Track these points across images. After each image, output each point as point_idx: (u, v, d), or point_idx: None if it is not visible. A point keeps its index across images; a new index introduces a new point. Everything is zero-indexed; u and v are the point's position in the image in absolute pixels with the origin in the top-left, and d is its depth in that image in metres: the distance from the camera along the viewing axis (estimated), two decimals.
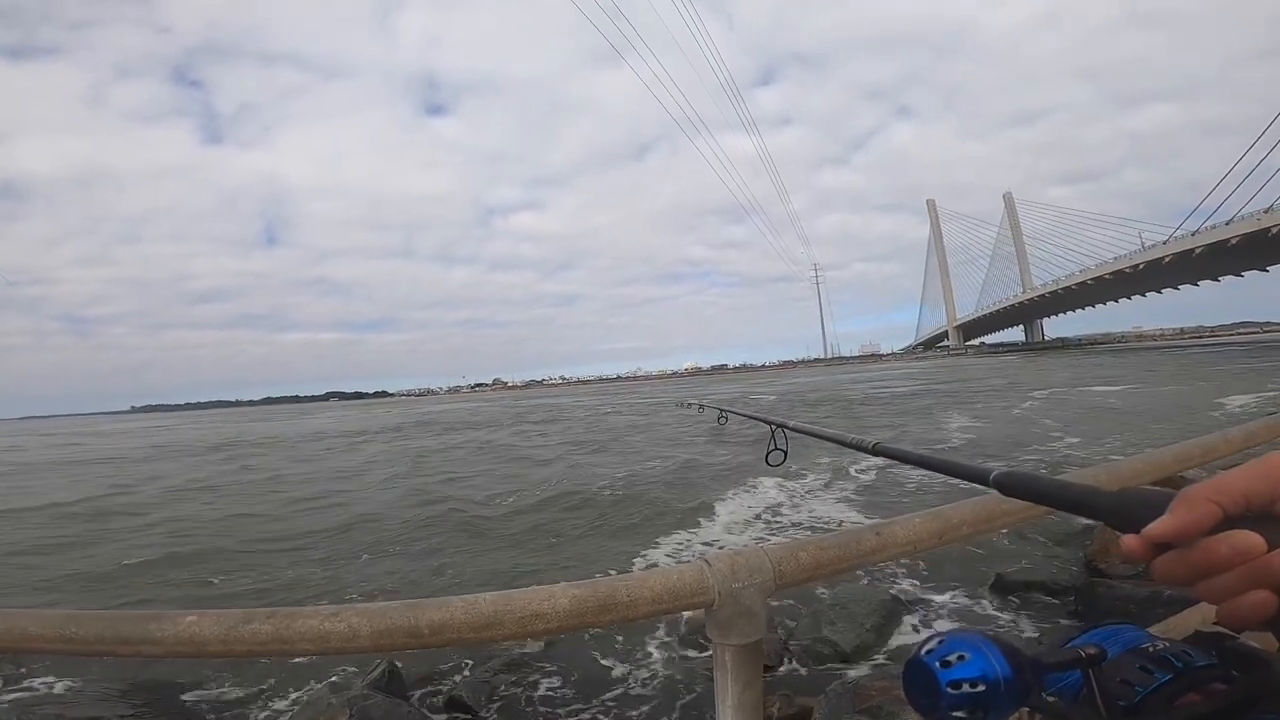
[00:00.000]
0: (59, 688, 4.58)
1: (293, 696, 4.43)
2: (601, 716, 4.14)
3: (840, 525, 8.25)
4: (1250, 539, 0.36)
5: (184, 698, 4.40)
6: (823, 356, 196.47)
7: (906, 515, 1.20)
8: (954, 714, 0.38)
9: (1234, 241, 55.17)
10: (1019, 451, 12.72)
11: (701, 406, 2.43)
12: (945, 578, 5.62)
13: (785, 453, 1.40)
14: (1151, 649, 0.44)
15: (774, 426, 1.41)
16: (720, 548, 7.47)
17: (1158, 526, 0.39)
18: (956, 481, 0.67)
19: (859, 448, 1.10)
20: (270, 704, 4.38)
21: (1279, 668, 0.40)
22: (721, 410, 2.10)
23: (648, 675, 4.68)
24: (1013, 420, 18.04)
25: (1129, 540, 0.41)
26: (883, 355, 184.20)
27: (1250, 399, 17.57)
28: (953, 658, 0.39)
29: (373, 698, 3.66)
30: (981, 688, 0.38)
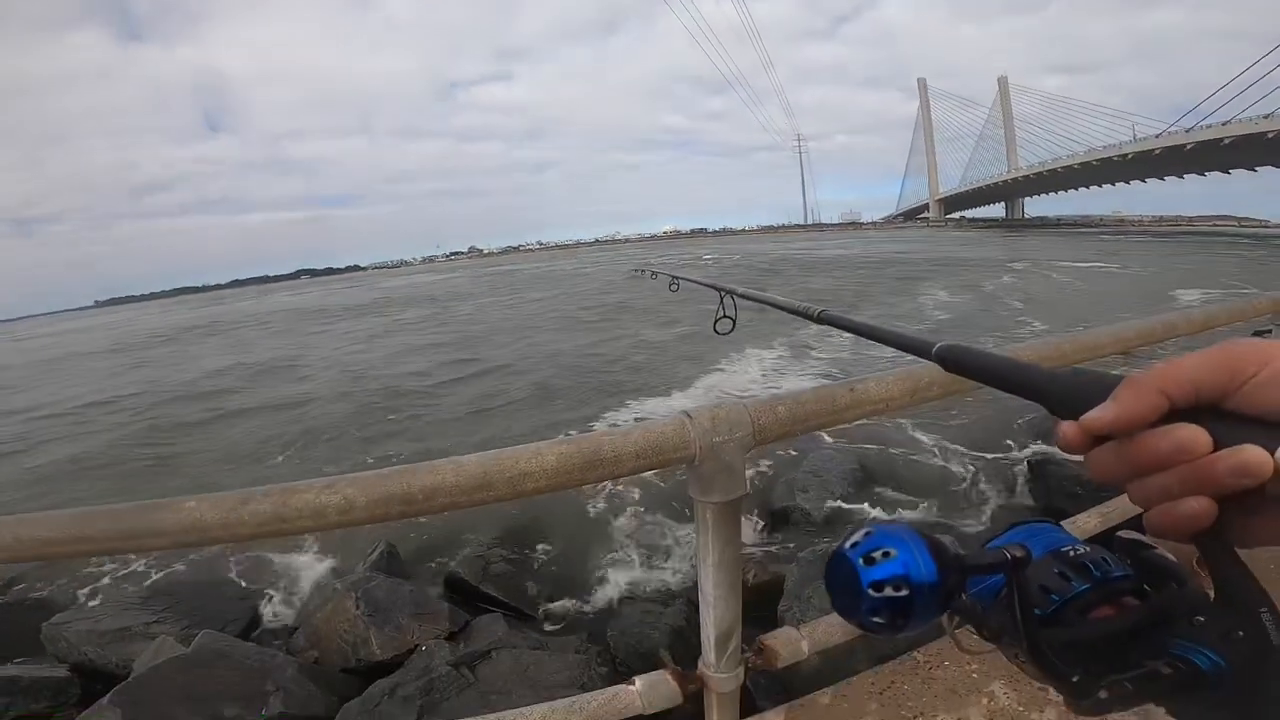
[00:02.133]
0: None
1: (302, 587, 4.61)
2: (595, 577, 4.44)
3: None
4: (1195, 435, 0.32)
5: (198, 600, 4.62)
6: (804, 223, 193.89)
7: (879, 373, 1.20)
8: (873, 619, 0.36)
9: (1228, 141, 54.19)
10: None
11: (655, 274, 2.37)
12: (916, 445, 5.90)
13: (734, 320, 1.37)
14: (1071, 553, 0.41)
15: (722, 293, 1.38)
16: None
17: (1096, 414, 0.34)
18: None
19: (805, 315, 1.07)
20: (285, 592, 4.56)
21: (1192, 586, 0.37)
22: (673, 277, 2.07)
23: (628, 535, 4.99)
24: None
25: (1066, 428, 0.36)
26: (862, 224, 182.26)
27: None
28: (877, 554, 0.36)
29: (375, 578, 3.78)
30: (905, 591, 0.35)
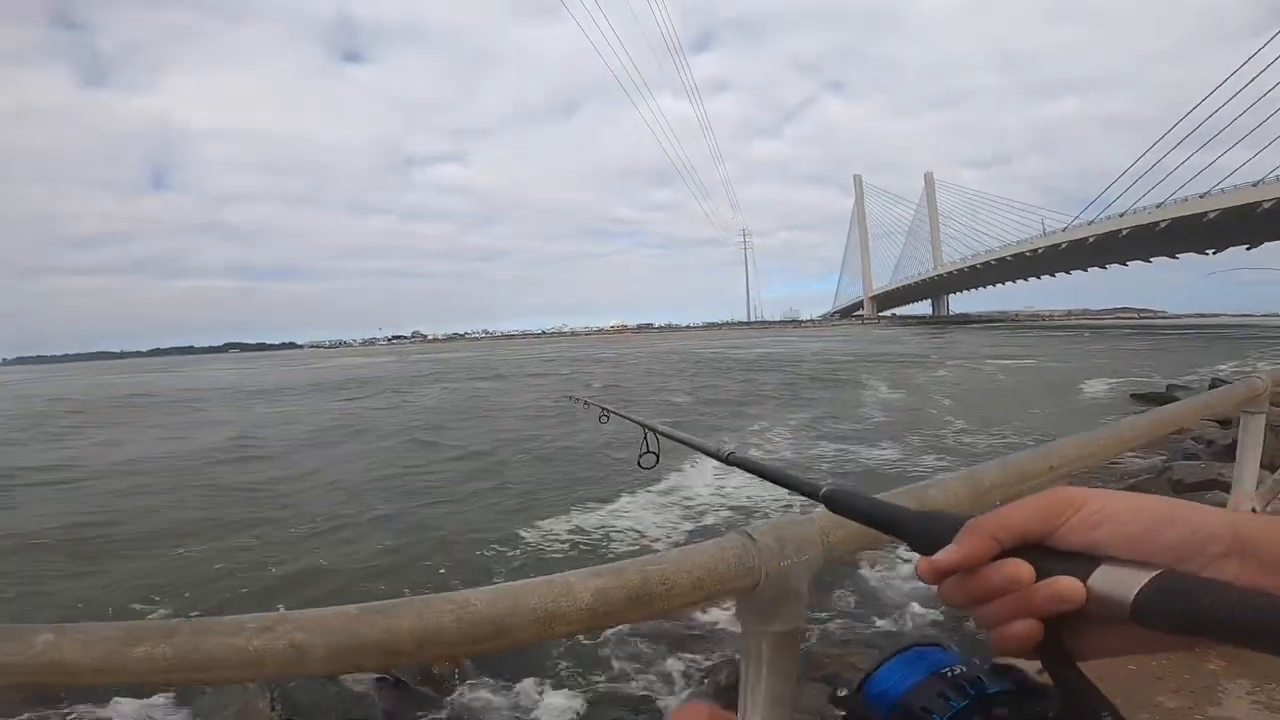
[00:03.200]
0: None
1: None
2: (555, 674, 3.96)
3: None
4: (1019, 569, 0.38)
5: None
6: (747, 320, 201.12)
7: (940, 478, 1.10)
8: None
9: (1124, 233, 60.31)
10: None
11: (586, 403, 2.45)
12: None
13: (658, 455, 1.43)
14: (950, 674, 0.45)
15: (646, 430, 1.46)
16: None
17: (942, 555, 0.41)
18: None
19: (716, 455, 1.08)
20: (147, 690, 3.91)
21: (1052, 699, 0.41)
22: (603, 409, 2.13)
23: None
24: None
25: (921, 564, 0.42)
26: (802, 321, 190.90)
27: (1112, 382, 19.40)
28: None
29: (294, 680, 3.33)
30: None
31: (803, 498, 0.65)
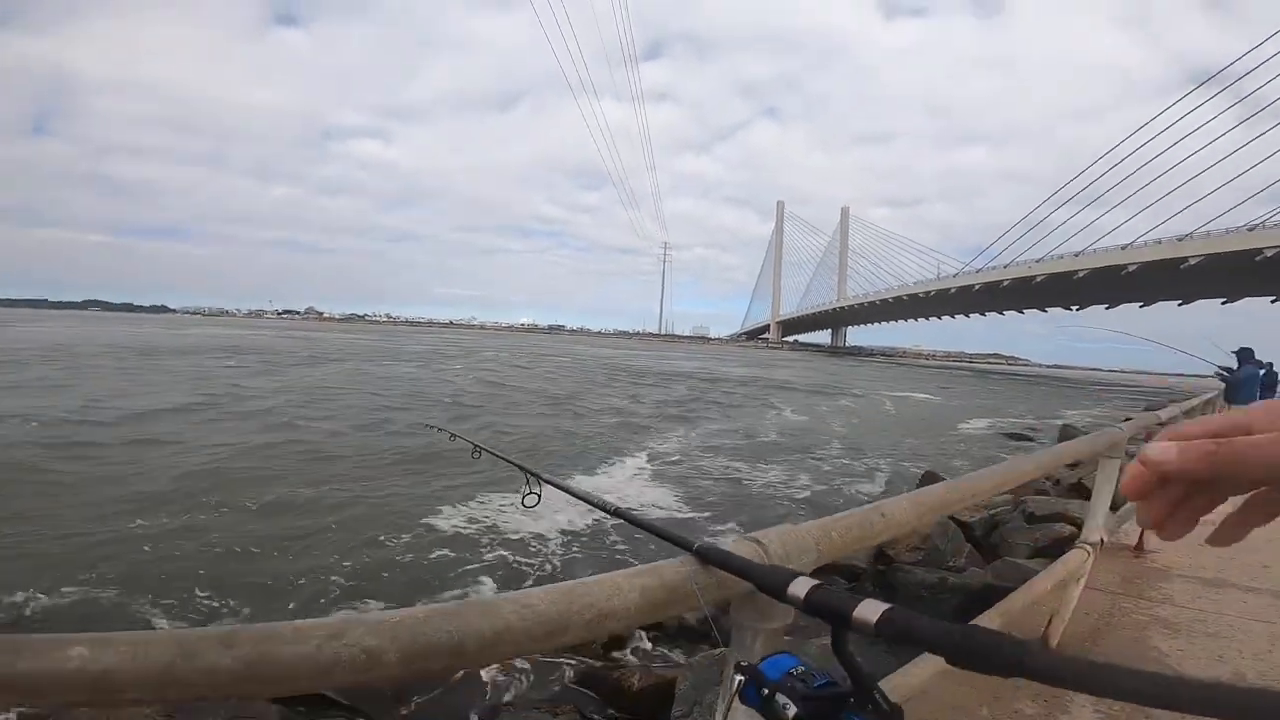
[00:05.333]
0: None
1: None
2: (467, 684, 3.88)
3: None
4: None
5: None
6: (657, 332, 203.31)
7: (898, 497, 1.25)
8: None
9: (1005, 283, 64.98)
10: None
11: (454, 436, 2.19)
12: None
13: (539, 495, 1.41)
14: (795, 671, 0.65)
15: (528, 474, 1.45)
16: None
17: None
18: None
19: (602, 508, 1.18)
20: None
21: (867, 682, 0.60)
22: (475, 445, 1.96)
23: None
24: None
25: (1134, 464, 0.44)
26: (710, 339, 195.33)
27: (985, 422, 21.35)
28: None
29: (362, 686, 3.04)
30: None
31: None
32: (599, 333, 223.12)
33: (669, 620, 4.57)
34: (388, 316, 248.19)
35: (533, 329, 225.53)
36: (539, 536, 6.58)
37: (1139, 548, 3.93)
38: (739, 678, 0.69)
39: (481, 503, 7.55)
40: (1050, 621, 2.57)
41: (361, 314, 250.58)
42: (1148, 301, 59.77)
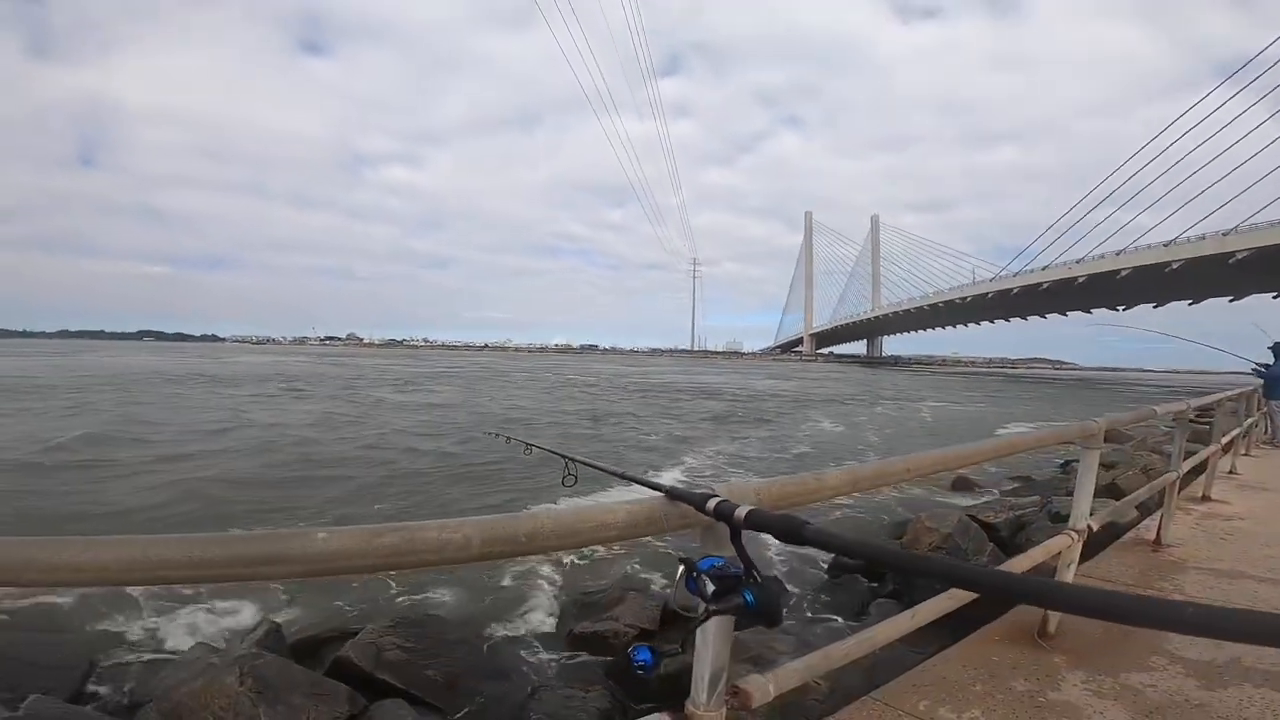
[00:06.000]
0: None
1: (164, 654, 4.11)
2: (504, 663, 4.18)
3: None
4: None
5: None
6: (690, 348, 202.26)
7: (838, 468, 1.53)
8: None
9: (1045, 286, 62.93)
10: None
11: (509, 439, 2.71)
12: (804, 557, 6.21)
13: (576, 477, 1.72)
14: (718, 566, 0.98)
15: (565, 459, 1.77)
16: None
17: None
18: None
19: (612, 473, 1.57)
20: (120, 660, 4.03)
21: (758, 576, 0.97)
22: (527, 443, 2.35)
23: (534, 618, 4.81)
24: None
25: None
26: (743, 353, 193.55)
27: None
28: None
29: (263, 655, 3.39)
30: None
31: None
32: (631, 351, 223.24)
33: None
34: (425, 341, 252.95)
35: (566, 349, 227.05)
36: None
37: (1157, 542, 4.02)
38: (682, 568, 1.02)
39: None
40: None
41: (400, 339, 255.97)
42: (1196, 299, 57.38)
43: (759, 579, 0.97)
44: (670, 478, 11.28)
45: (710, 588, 0.96)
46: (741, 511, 1.02)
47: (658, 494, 1.19)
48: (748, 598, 0.96)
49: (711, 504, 1.08)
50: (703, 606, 0.96)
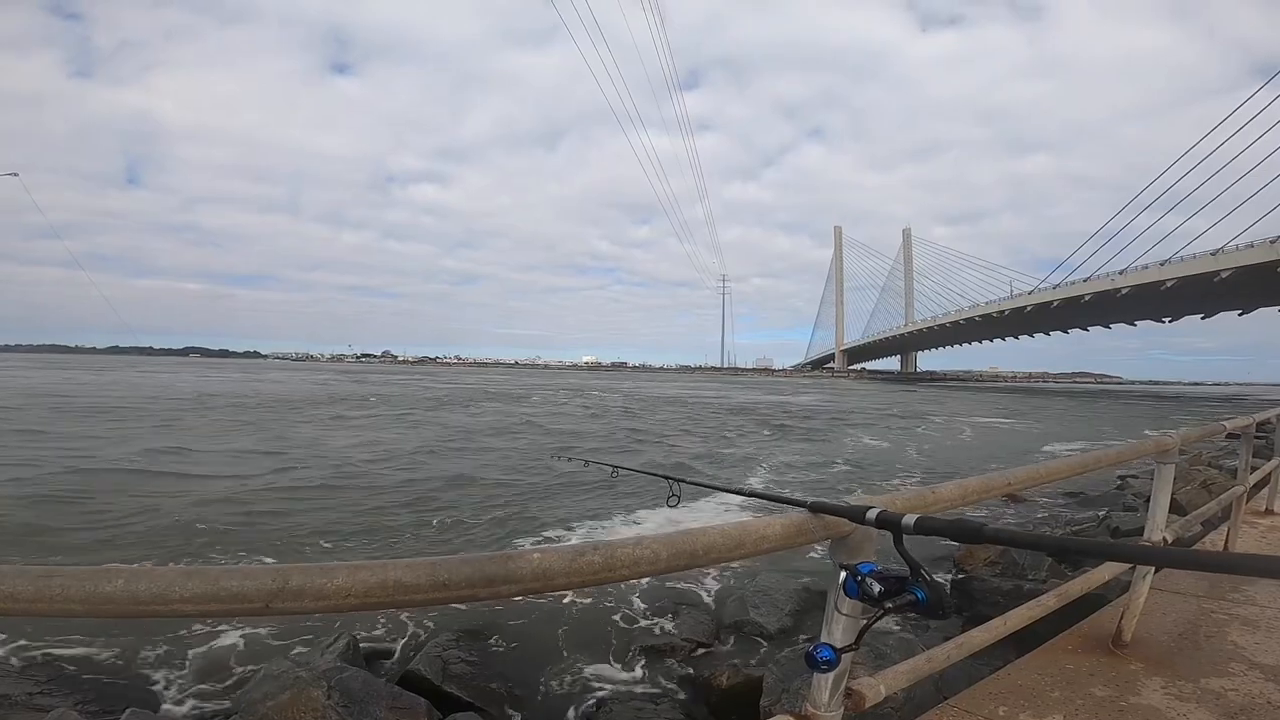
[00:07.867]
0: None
1: (227, 672, 4.28)
2: (570, 677, 4.33)
3: None
4: None
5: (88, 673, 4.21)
6: (720, 365, 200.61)
7: (945, 482, 1.66)
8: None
9: (1087, 298, 60.41)
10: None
11: (587, 462, 2.54)
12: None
13: (679, 496, 1.77)
14: (881, 569, 1.11)
15: (670, 480, 1.82)
16: None
17: None
18: None
19: (738, 492, 1.72)
20: (200, 675, 4.26)
21: (925, 575, 1.09)
22: (614, 467, 2.21)
23: (597, 631, 4.91)
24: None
25: None
26: (774, 370, 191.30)
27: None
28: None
29: (347, 669, 3.46)
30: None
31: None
32: (660, 368, 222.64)
33: (753, 623, 4.97)
34: (457, 358, 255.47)
35: (596, 366, 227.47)
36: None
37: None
38: (843, 574, 1.15)
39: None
40: (1121, 618, 2.75)
41: (433, 356, 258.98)
42: (1246, 309, 55.00)
43: (928, 578, 1.08)
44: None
45: (876, 589, 1.09)
46: (910, 519, 1.14)
47: (800, 508, 1.30)
48: (919, 595, 1.07)
49: (872, 514, 1.20)
50: (874, 606, 1.10)
